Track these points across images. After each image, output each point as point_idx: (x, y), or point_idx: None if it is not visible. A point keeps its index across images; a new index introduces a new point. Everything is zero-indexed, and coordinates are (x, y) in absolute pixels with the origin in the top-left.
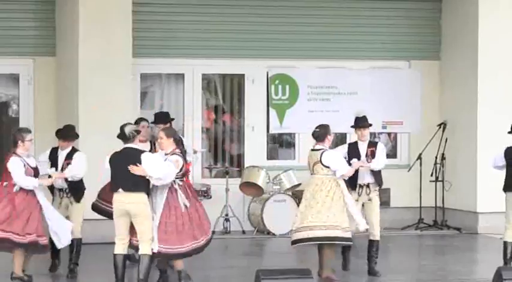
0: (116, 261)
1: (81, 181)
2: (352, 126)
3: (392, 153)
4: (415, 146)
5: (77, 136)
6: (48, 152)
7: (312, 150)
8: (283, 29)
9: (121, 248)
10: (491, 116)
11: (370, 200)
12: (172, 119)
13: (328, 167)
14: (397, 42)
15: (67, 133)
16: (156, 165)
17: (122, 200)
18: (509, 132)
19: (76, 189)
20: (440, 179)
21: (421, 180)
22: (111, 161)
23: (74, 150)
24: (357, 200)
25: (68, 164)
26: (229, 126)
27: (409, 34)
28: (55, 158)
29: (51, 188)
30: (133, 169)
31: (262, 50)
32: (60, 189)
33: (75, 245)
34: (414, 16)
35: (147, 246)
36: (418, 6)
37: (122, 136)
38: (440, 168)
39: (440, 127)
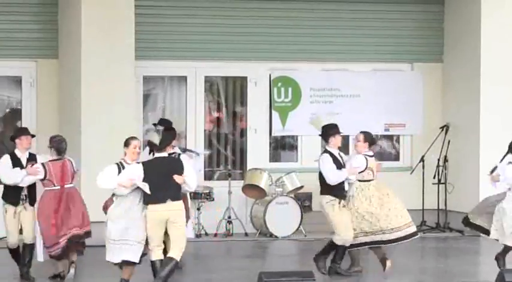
0: (155, 266)
1: (35, 184)
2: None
3: (395, 156)
4: (417, 149)
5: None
6: (8, 159)
7: (370, 156)
8: (286, 31)
9: (159, 254)
10: (494, 118)
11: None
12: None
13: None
14: (399, 44)
15: (26, 130)
16: (194, 176)
17: (167, 209)
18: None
19: (33, 193)
20: (442, 181)
21: (424, 183)
22: (147, 170)
23: (33, 154)
24: (344, 206)
25: (33, 165)
26: (231, 128)
27: (412, 37)
28: (18, 162)
29: (18, 196)
30: (178, 178)
31: (265, 53)
32: (23, 196)
33: (30, 251)
34: (417, 19)
35: (178, 252)
36: (421, 9)
37: (157, 145)
38: (442, 171)
39: (442, 129)
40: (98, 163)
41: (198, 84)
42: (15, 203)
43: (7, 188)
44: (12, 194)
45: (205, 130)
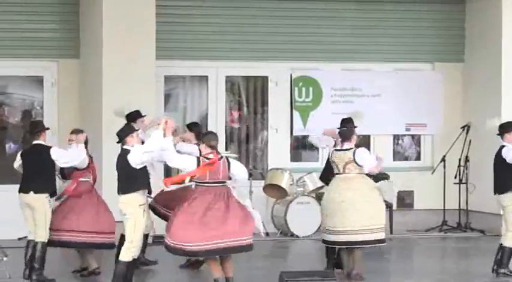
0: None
1: None
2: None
3: (416, 156)
4: (438, 148)
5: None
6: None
7: (340, 150)
8: (307, 31)
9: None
10: None
11: None
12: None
13: (361, 166)
14: (420, 44)
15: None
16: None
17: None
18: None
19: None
20: (464, 181)
21: (445, 183)
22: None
23: None
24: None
25: None
26: (252, 128)
27: (433, 36)
28: None
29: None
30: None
31: (286, 52)
32: None
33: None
34: (438, 18)
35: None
36: (442, 8)
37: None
38: (464, 171)
39: (464, 129)
40: None
41: (219, 84)
42: None
43: None
44: None
45: (226, 129)
